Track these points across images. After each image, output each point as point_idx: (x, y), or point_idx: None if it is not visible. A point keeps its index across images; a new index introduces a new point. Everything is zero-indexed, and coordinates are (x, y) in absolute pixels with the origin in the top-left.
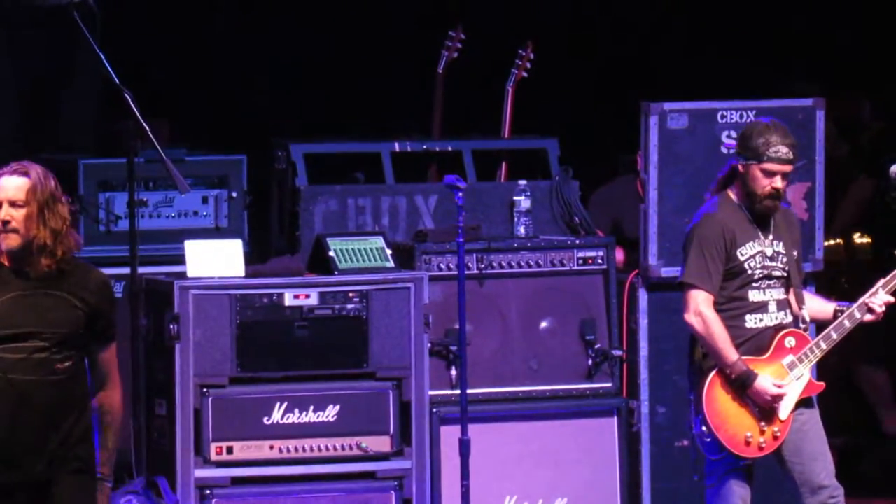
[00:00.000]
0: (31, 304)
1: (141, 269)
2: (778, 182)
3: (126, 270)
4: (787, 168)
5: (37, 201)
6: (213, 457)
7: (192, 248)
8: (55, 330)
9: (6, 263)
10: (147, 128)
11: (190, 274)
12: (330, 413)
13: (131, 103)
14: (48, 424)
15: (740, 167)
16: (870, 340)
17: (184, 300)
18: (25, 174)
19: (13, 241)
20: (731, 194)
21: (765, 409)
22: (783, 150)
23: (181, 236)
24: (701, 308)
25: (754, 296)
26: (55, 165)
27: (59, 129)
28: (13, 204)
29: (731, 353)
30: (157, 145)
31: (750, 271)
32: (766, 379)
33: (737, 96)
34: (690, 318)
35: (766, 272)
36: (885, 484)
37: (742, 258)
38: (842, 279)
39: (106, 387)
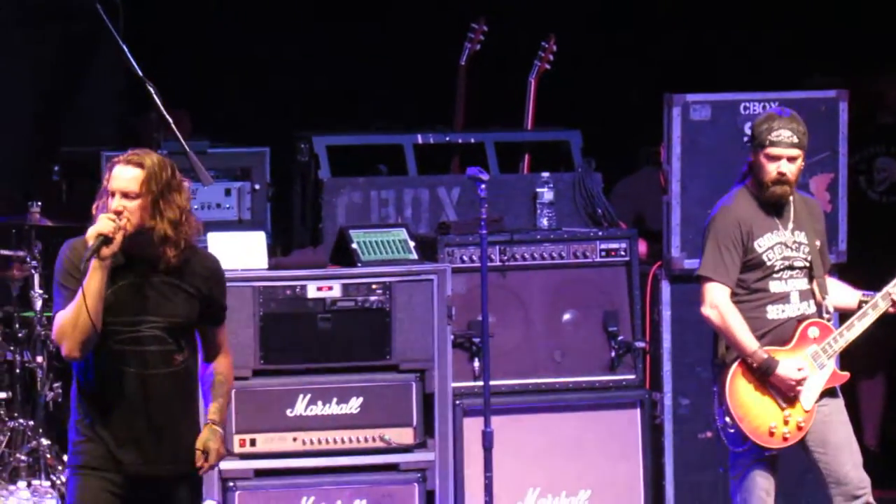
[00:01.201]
0: (146, 293)
1: None
2: (783, 167)
3: None
4: (792, 152)
5: (151, 193)
6: (237, 449)
7: (214, 240)
8: (171, 319)
9: (125, 251)
10: (170, 120)
11: None
12: (353, 405)
13: (154, 95)
14: (168, 418)
15: (752, 157)
16: (870, 352)
17: None
18: (140, 165)
19: (123, 230)
20: (749, 186)
21: (788, 399)
22: (785, 134)
23: (204, 228)
24: (717, 300)
25: (776, 287)
26: (77, 157)
27: (82, 122)
28: (126, 195)
29: (750, 343)
30: (179, 137)
31: (769, 262)
32: (788, 365)
33: (761, 87)
34: (707, 310)
35: (787, 263)
36: None
37: (760, 250)
38: None
39: (218, 357)
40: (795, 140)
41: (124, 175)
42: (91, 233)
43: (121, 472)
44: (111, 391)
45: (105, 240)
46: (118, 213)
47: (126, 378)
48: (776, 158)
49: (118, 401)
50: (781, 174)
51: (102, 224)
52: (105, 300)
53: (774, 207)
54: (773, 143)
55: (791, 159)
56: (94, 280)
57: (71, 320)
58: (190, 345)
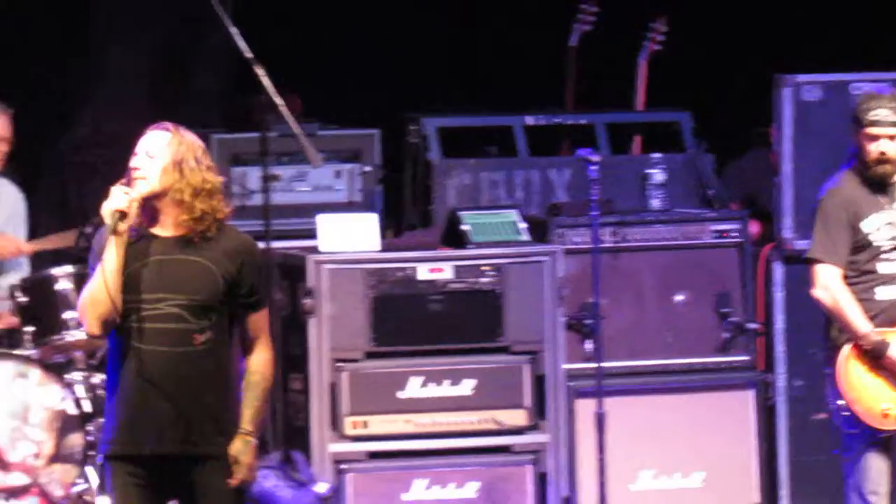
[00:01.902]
0: (167, 270)
1: (275, 244)
2: (884, 146)
3: (260, 245)
4: (891, 131)
5: (172, 155)
6: (349, 431)
7: (325, 222)
8: (192, 297)
9: (148, 228)
10: (279, 102)
11: (322, 248)
12: (465, 387)
13: (263, 78)
14: (186, 399)
15: (854, 138)
16: None
17: (318, 274)
18: (166, 129)
19: (140, 187)
20: (856, 167)
21: None
22: (883, 113)
23: (314, 211)
24: (827, 282)
25: (884, 268)
26: None
27: (191, 104)
28: (148, 154)
29: (862, 324)
30: (289, 119)
31: (877, 243)
32: None
33: (872, 68)
34: (818, 292)
35: (894, 243)
36: None
37: (867, 231)
38: None
39: (254, 349)
40: (894, 118)
41: (150, 137)
42: (106, 210)
43: (141, 453)
44: (131, 369)
45: (121, 215)
46: (135, 170)
47: (145, 356)
48: (875, 138)
49: (137, 379)
50: (882, 153)
51: (115, 199)
52: (127, 277)
53: (880, 187)
54: (871, 123)
55: (891, 138)
56: (111, 256)
57: (89, 297)
58: (216, 326)
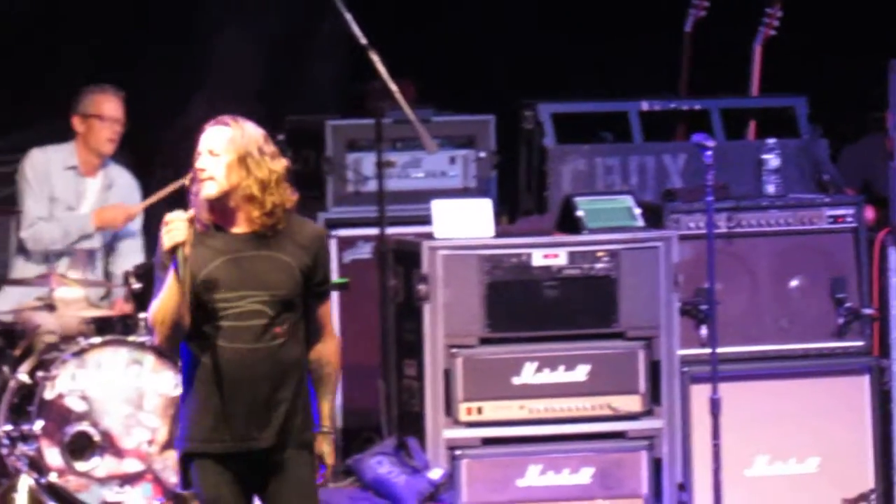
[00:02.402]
0: (246, 267)
1: (389, 230)
2: None
3: (374, 231)
4: None
5: (236, 151)
6: (463, 417)
7: (439, 208)
8: (273, 293)
9: (219, 225)
10: (394, 88)
11: (437, 234)
12: (580, 373)
13: (378, 63)
14: (269, 392)
15: None
16: None
17: (433, 260)
18: (227, 125)
19: (209, 189)
20: None
21: None
22: None
23: (429, 196)
24: None
25: None
26: (302, 126)
27: (306, 90)
28: (211, 153)
29: None
30: (404, 105)
31: None
32: None
33: None
34: None
35: None
36: None
37: None
38: None
39: (323, 339)
40: None
41: (211, 135)
42: (167, 245)
43: (230, 451)
44: (214, 368)
45: (183, 244)
46: (201, 171)
47: (228, 354)
48: None
49: (220, 378)
50: None
51: (174, 233)
52: (205, 277)
53: None
54: None
55: None
56: (171, 283)
57: (157, 316)
58: (292, 318)
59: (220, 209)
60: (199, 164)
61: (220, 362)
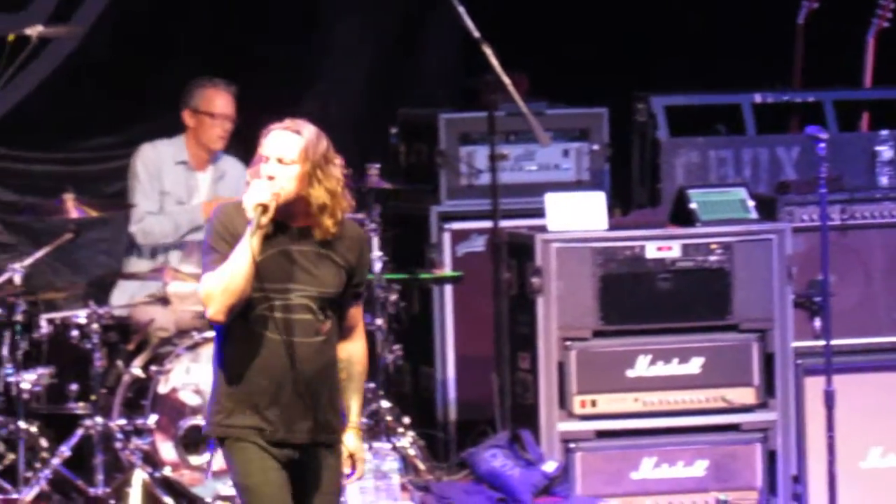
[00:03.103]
0: (298, 262)
1: (502, 223)
2: None
3: (487, 224)
4: None
5: (309, 160)
6: (577, 410)
7: (553, 201)
8: (321, 290)
9: (278, 219)
10: (507, 81)
11: (550, 227)
12: (694, 365)
13: (491, 57)
14: (311, 387)
15: None
16: None
17: (546, 253)
18: (298, 132)
19: (276, 197)
20: None
21: None
22: None
23: (542, 189)
24: None
25: None
26: (415, 119)
27: (420, 84)
28: (281, 161)
29: None
30: (517, 98)
31: None
32: None
33: None
34: None
35: None
36: None
37: None
38: None
39: (354, 338)
40: None
41: (282, 141)
42: (249, 203)
43: (265, 439)
44: (257, 357)
45: (263, 209)
46: (270, 178)
47: (272, 345)
48: None
49: (263, 367)
50: None
51: (259, 194)
52: (256, 267)
53: None
54: None
55: None
56: (248, 248)
57: (221, 284)
58: (334, 316)
59: (281, 208)
60: (268, 170)
61: (263, 353)
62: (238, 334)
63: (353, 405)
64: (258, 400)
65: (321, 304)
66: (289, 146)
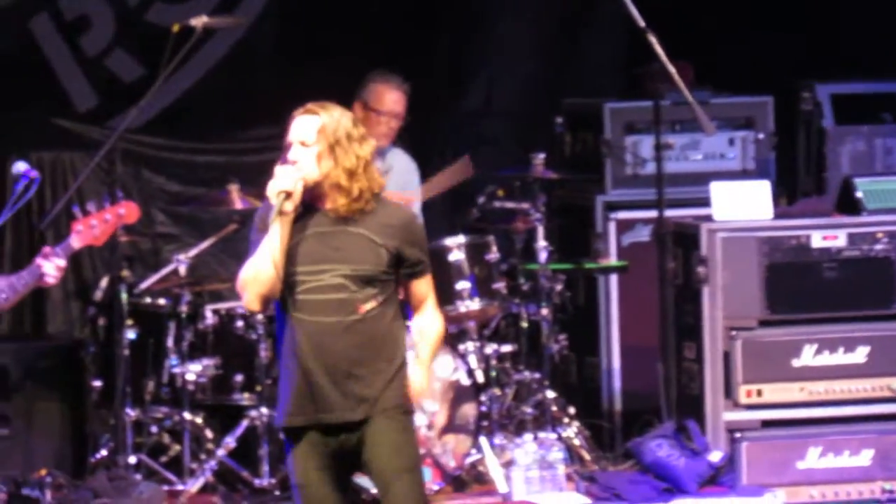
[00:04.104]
0: (329, 242)
1: (668, 212)
2: None
3: (653, 213)
4: None
5: (326, 140)
6: (743, 400)
7: (718, 190)
8: (355, 268)
9: (308, 203)
10: (672, 70)
11: (716, 216)
12: (859, 354)
13: (656, 46)
14: (351, 366)
15: None
16: None
17: (711, 243)
18: (315, 113)
19: (300, 179)
20: None
21: None
22: None
23: (707, 178)
24: None
25: None
26: (580, 109)
27: (584, 74)
28: (303, 144)
29: None
30: (682, 87)
31: None
32: None
33: None
34: None
35: None
36: None
37: None
38: None
39: (423, 313)
40: None
41: (301, 125)
42: (272, 190)
43: (313, 423)
44: (296, 340)
45: (287, 195)
46: (294, 163)
47: (310, 326)
48: None
49: (303, 349)
50: None
51: (282, 180)
52: (288, 250)
53: None
54: None
55: None
56: (276, 234)
57: (254, 274)
58: (382, 295)
59: (310, 189)
60: (290, 155)
61: (302, 335)
62: (285, 321)
63: (423, 351)
64: (298, 384)
65: (357, 283)
66: (308, 128)
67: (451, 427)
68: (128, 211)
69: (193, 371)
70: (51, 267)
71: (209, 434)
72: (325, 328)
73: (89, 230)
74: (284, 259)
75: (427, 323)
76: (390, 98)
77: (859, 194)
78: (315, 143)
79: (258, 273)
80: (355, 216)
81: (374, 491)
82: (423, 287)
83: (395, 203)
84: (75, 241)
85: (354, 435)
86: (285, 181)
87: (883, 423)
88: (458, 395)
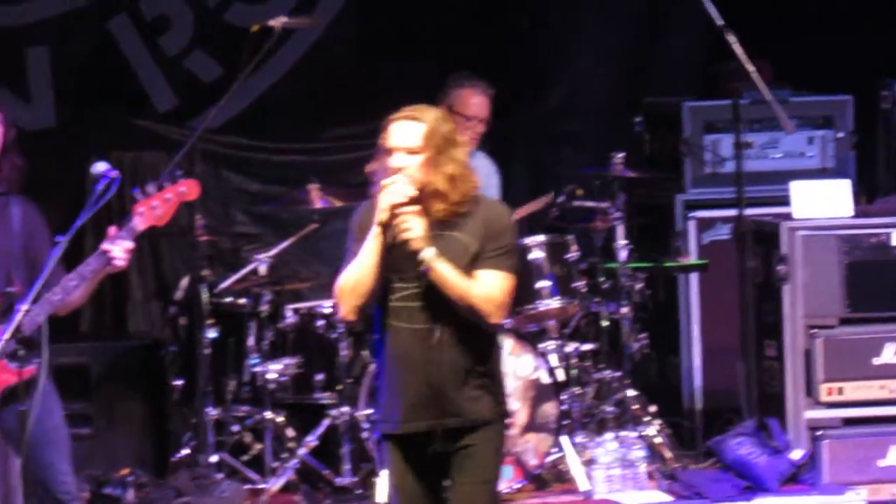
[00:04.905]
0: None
1: (747, 211)
2: None
3: (732, 212)
4: None
5: (431, 147)
6: (824, 398)
7: (798, 188)
8: None
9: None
10: (750, 69)
11: (796, 215)
12: None
13: (734, 44)
14: (446, 375)
15: None
16: None
17: (791, 241)
18: (418, 120)
19: (406, 189)
20: None
21: None
22: None
23: (787, 177)
24: None
25: None
26: (659, 108)
27: (664, 73)
28: (406, 151)
29: None
30: (761, 86)
31: None
32: None
33: None
34: None
35: None
36: None
37: None
38: None
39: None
40: None
41: (404, 131)
42: (384, 204)
43: (402, 430)
44: (395, 347)
45: (394, 208)
46: (397, 170)
47: (408, 334)
48: None
49: (402, 356)
50: None
51: (394, 196)
52: (386, 257)
53: None
54: None
55: None
56: (373, 246)
57: (351, 284)
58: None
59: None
60: (395, 162)
61: (395, 342)
62: (381, 327)
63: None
64: (393, 391)
65: None
66: (412, 134)
67: (532, 426)
68: (188, 188)
69: (274, 370)
70: (118, 249)
71: (290, 433)
72: (419, 335)
73: (151, 211)
74: (382, 267)
75: (484, 289)
76: (476, 103)
77: None
78: (421, 149)
79: (357, 284)
80: (452, 219)
81: None
82: (489, 270)
83: (492, 201)
84: (139, 223)
85: (449, 443)
86: (399, 195)
87: None
88: (539, 393)
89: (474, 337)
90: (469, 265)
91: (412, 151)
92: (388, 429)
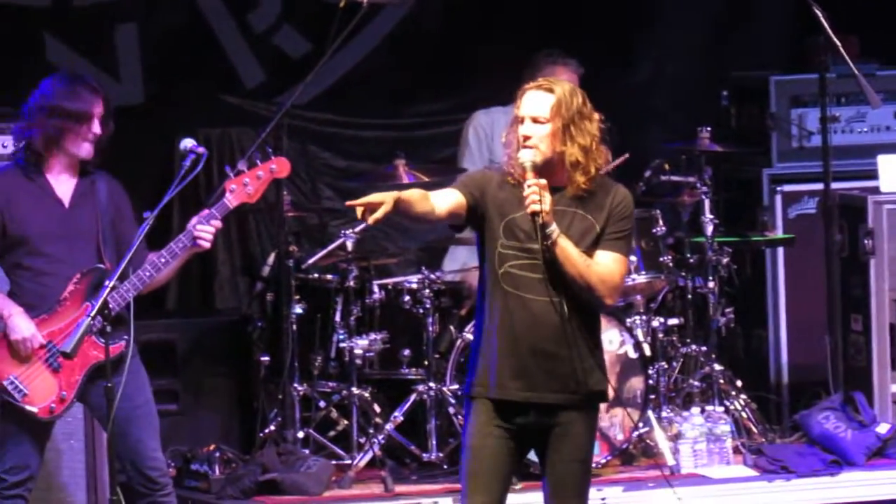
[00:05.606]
0: (560, 221)
1: (834, 185)
2: None
3: (819, 186)
4: None
5: (561, 118)
6: None
7: (885, 162)
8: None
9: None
10: (837, 43)
11: (883, 188)
12: None
13: (822, 19)
14: (553, 348)
15: None
16: None
17: (878, 215)
18: (550, 91)
19: (533, 156)
20: None
21: None
22: None
23: (873, 151)
24: None
25: None
26: (746, 82)
27: (751, 46)
28: (535, 120)
29: None
30: (847, 60)
31: None
32: None
33: None
34: None
35: None
36: None
37: None
38: None
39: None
40: None
41: (535, 101)
42: (530, 210)
43: (500, 395)
44: (502, 316)
45: (533, 165)
46: (526, 138)
47: (515, 301)
48: None
49: (509, 326)
50: None
51: (538, 203)
52: (509, 223)
53: None
54: None
55: None
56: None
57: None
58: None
59: (539, 167)
60: (523, 130)
61: (505, 311)
62: (488, 292)
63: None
64: (500, 357)
65: None
66: (541, 104)
67: (618, 400)
68: (279, 166)
69: (361, 346)
70: (204, 230)
71: (377, 408)
72: (531, 305)
73: (242, 188)
74: (508, 228)
75: (599, 269)
76: (566, 80)
77: None
78: (550, 120)
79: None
80: (578, 195)
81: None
82: (607, 251)
83: (616, 184)
84: (230, 201)
85: (547, 418)
86: (544, 204)
87: None
88: (626, 368)
89: (587, 312)
90: (591, 245)
91: (541, 121)
92: (481, 392)
